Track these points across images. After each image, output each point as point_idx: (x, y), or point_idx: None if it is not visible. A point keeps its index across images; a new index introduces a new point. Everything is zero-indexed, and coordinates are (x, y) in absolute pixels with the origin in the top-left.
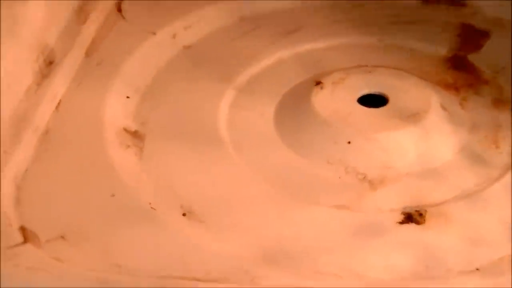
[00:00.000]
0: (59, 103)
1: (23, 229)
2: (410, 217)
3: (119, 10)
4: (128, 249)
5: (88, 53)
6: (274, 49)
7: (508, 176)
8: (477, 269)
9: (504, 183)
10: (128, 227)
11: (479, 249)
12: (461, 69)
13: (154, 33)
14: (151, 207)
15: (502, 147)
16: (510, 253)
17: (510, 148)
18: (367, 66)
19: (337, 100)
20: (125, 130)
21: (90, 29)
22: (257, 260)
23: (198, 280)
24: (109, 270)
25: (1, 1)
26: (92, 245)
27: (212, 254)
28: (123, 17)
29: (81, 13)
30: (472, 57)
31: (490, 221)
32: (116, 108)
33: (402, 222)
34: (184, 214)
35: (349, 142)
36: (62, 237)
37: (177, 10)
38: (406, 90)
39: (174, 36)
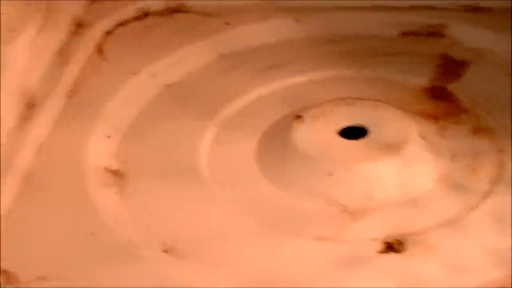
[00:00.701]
0: (41, 145)
1: (3, 272)
2: (391, 247)
3: (100, 51)
4: (109, 287)
5: (70, 95)
6: (253, 86)
7: (488, 202)
8: None
9: (484, 210)
10: (109, 265)
11: (460, 276)
12: (441, 99)
13: (135, 73)
14: (132, 245)
15: (481, 174)
16: (492, 279)
17: (490, 175)
18: (346, 98)
19: (317, 133)
20: (106, 169)
21: (71, 71)
22: None
23: None
24: None
25: None
26: (72, 285)
27: None
28: (104, 59)
29: (62, 55)
30: (452, 87)
31: (471, 248)
32: (98, 148)
33: (382, 252)
34: (165, 251)
35: (330, 174)
36: (42, 277)
37: (157, 50)
38: (385, 121)
39: (154, 75)
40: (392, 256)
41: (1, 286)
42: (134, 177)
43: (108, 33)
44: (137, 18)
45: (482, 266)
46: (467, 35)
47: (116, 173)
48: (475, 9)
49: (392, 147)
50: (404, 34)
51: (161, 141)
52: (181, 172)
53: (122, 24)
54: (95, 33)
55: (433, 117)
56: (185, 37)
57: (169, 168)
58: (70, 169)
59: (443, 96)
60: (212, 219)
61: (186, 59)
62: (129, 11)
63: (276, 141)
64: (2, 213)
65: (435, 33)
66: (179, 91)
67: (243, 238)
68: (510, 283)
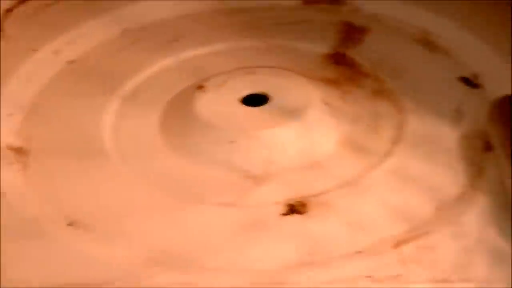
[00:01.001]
0: None
1: None
2: (293, 209)
3: (0, 29)
4: (13, 262)
5: None
6: (156, 58)
7: (388, 162)
8: (359, 252)
9: (385, 169)
10: (14, 241)
11: (361, 233)
12: (342, 65)
13: (36, 50)
14: (37, 221)
15: (382, 135)
16: (390, 234)
17: (390, 135)
18: (249, 67)
19: (219, 102)
20: (9, 147)
21: None
22: (144, 262)
23: (84, 285)
24: None
25: None
26: None
27: (100, 261)
28: (5, 36)
29: None
30: (352, 53)
31: (370, 206)
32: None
33: (285, 214)
34: (70, 225)
35: (232, 142)
36: None
37: (59, 26)
38: (287, 88)
39: (56, 52)
40: (295, 218)
41: None
42: (37, 154)
43: (8, 10)
44: None
45: (383, 223)
46: (367, 2)
47: (19, 151)
48: None
49: (294, 113)
50: (306, 3)
51: (65, 117)
52: (85, 147)
53: (22, 1)
54: None
55: (335, 83)
56: (87, 12)
57: (73, 143)
58: None
59: (344, 62)
60: (116, 192)
61: (89, 35)
62: None
63: (180, 112)
64: None
65: (335, 1)
66: (82, 67)
67: (147, 209)
68: (407, 238)
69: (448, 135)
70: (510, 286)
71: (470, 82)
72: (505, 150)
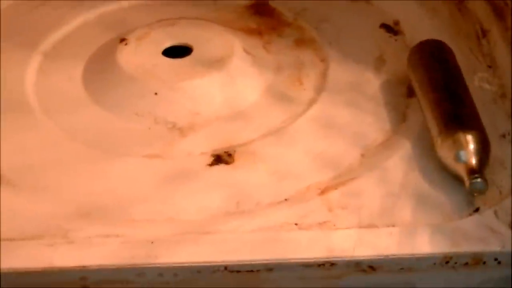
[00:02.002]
0: None
1: None
2: (220, 159)
3: None
4: None
5: None
6: (77, 13)
7: (312, 110)
8: (286, 200)
9: (308, 117)
10: None
11: (287, 181)
12: (264, 15)
13: None
14: None
15: (306, 84)
16: (316, 181)
17: (313, 84)
18: (170, 19)
19: (142, 55)
20: None
21: None
22: (71, 215)
23: (11, 240)
24: None
25: None
26: None
27: (26, 215)
28: None
29: None
30: (274, 3)
31: (296, 154)
32: None
33: (212, 164)
34: None
35: (156, 94)
36: None
37: None
38: (209, 39)
39: None
40: (221, 168)
41: None
42: None
43: None
44: None
45: (309, 170)
46: None
47: None
48: None
49: (217, 63)
50: None
51: None
52: (7, 103)
53: None
54: None
55: (258, 33)
56: None
57: None
58: None
59: (266, 12)
60: (41, 147)
61: None
62: None
63: (103, 65)
64: None
65: None
66: (1, 22)
67: (73, 163)
68: (333, 184)
69: (371, 82)
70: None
71: (391, 29)
72: (423, 95)
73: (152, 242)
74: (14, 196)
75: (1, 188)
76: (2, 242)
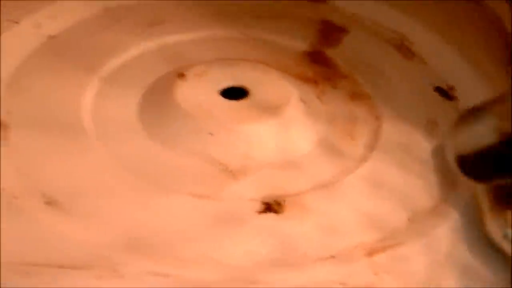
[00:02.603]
0: None
1: None
2: (269, 207)
3: None
4: None
5: None
6: (138, 41)
7: (362, 167)
8: (332, 256)
9: (359, 174)
10: None
11: (334, 237)
12: (320, 64)
13: (17, 22)
14: (13, 196)
15: (358, 140)
16: (363, 241)
17: (365, 141)
18: (229, 59)
19: (199, 93)
20: None
21: None
22: (120, 247)
23: (61, 267)
24: None
25: None
26: None
27: (75, 242)
28: None
29: None
30: (331, 52)
31: (344, 211)
32: None
33: (261, 212)
34: (47, 203)
35: (211, 134)
36: None
37: None
38: (267, 84)
39: (38, 25)
40: (270, 216)
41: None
42: (16, 129)
43: None
44: None
45: (356, 229)
46: (348, 2)
47: None
48: None
49: (273, 109)
50: None
51: (44, 93)
52: (63, 125)
53: None
54: None
55: (313, 81)
56: None
57: (52, 120)
58: None
59: (323, 61)
60: (92, 173)
61: (71, 11)
62: None
63: (159, 98)
64: None
65: None
66: (63, 43)
67: (123, 193)
68: (380, 247)
69: (422, 145)
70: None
71: (445, 93)
72: None
73: (201, 286)
74: (64, 221)
75: (52, 212)
76: (51, 269)
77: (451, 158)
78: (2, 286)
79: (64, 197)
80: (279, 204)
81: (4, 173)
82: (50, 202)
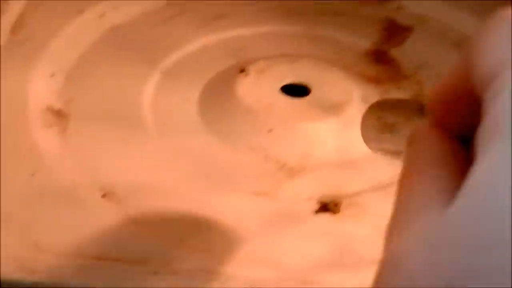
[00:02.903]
0: None
1: None
2: (326, 207)
3: None
4: (47, 228)
5: (13, 31)
6: (200, 34)
7: None
8: None
9: None
10: (48, 206)
11: None
12: (383, 63)
13: (82, 12)
14: (72, 187)
15: None
16: None
17: None
18: (291, 55)
19: (260, 89)
20: (49, 109)
21: (16, 6)
22: (175, 243)
23: (117, 260)
24: (28, 250)
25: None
26: (11, 224)
27: (131, 236)
28: None
29: None
30: (395, 52)
31: None
32: (40, 87)
33: (318, 211)
34: (104, 196)
35: (270, 130)
36: None
37: None
38: (328, 81)
39: (102, 15)
40: (326, 216)
41: None
42: (76, 119)
43: None
44: None
45: None
46: (413, 2)
47: (58, 113)
48: None
49: (334, 108)
50: None
51: (105, 84)
52: (123, 117)
53: None
54: None
55: (375, 81)
56: None
57: (112, 112)
58: (11, 106)
59: (386, 60)
60: (151, 167)
61: (135, 2)
62: None
63: (220, 93)
64: None
65: None
66: (126, 34)
67: (180, 188)
68: None
69: None
70: None
71: None
72: None
73: (255, 284)
74: (121, 216)
75: (109, 205)
76: (107, 262)
77: None
78: (57, 278)
79: (122, 191)
80: (336, 204)
81: (64, 164)
82: (108, 195)
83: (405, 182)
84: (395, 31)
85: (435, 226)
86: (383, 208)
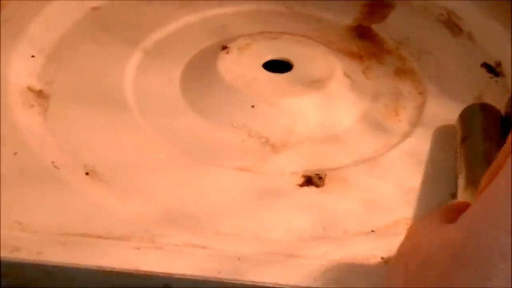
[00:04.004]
0: None
1: None
2: (310, 180)
3: None
4: (30, 207)
5: None
6: (181, 14)
7: (405, 143)
8: (372, 231)
9: (401, 150)
10: (30, 185)
11: (375, 212)
12: (366, 39)
13: None
14: (54, 166)
15: (402, 115)
16: (405, 216)
17: (409, 117)
18: (273, 32)
19: (242, 65)
20: (30, 89)
21: None
22: (158, 219)
23: (100, 237)
24: (11, 228)
25: None
26: None
27: (114, 213)
28: None
29: None
30: (377, 28)
31: (386, 186)
32: (21, 67)
33: (302, 185)
34: (87, 174)
35: (253, 107)
36: None
37: None
38: (310, 57)
39: None
40: (311, 189)
41: None
42: (57, 99)
43: None
44: None
45: (397, 204)
46: None
47: (39, 94)
48: None
49: (316, 83)
50: None
51: (86, 65)
52: (105, 97)
53: None
54: None
55: (358, 56)
56: None
57: (93, 92)
58: None
59: (368, 36)
60: (133, 145)
61: None
62: None
63: (202, 71)
64: None
65: None
66: (106, 15)
67: (164, 166)
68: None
69: None
70: None
71: (492, 69)
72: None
73: (239, 259)
74: (104, 193)
75: (92, 183)
76: (90, 239)
77: None
78: (40, 255)
79: (105, 169)
80: (320, 178)
81: (46, 143)
82: (91, 173)
83: None
84: (377, 7)
85: None
86: (366, 181)
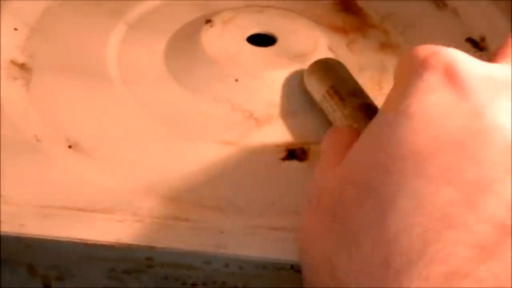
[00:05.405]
0: None
1: None
2: (293, 154)
3: None
4: (11, 179)
5: None
6: None
7: None
8: None
9: None
10: (12, 158)
11: None
12: (351, 13)
13: None
14: (36, 139)
15: (385, 89)
16: None
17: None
18: (257, 6)
19: (226, 39)
20: (12, 62)
21: None
22: (141, 192)
23: (82, 210)
24: None
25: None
26: None
27: (97, 186)
28: None
29: None
30: (361, 2)
31: None
32: (4, 41)
33: (285, 159)
34: (70, 147)
35: (236, 80)
36: None
37: None
38: (295, 31)
39: None
40: (294, 163)
41: None
42: (40, 72)
43: None
44: None
45: None
46: None
47: (22, 67)
48: None
49: (300, 57)
50: None
51: (69, 38)
52: (88, 69)
53: None
54: None
55: (343, 31)
56: None
57: (76, 65)
58: None
59: (353, 10)
60: (117, 118)
61: None
62: None
63: (186, 44)
64: None
65: None
66: None
67: (147, 139)
68: None
69: None
70: None
71: (477, 44)
72: None
73: (221, 232)
74: (86, 166)
75: (75, 155)
76: (72, 212)
77: None
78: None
79: (88, 142)
80: (303, 151)
81: (29, 116)
82: (73, 146)
83: None
84: None
85: None
86: None
